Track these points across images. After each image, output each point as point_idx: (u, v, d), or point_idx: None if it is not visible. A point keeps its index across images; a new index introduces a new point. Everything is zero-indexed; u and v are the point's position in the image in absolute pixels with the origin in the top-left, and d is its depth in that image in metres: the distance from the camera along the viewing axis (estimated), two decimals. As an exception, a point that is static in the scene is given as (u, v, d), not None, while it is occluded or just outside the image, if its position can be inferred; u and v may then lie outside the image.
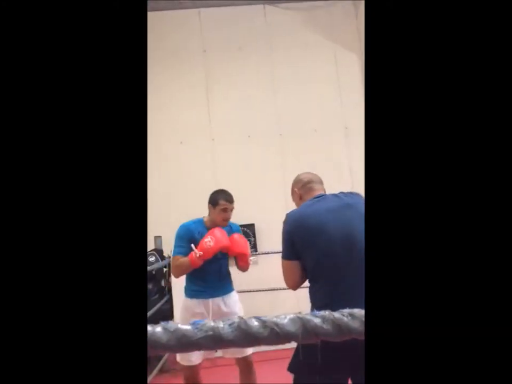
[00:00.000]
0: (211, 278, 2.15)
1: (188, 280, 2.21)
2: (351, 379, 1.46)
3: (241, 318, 0.41)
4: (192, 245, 2.05)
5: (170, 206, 4.03)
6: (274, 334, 0.40)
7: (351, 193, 1.62)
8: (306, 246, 1.47)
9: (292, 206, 1.71)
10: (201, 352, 2.11)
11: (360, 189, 3.83)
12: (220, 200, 2.14)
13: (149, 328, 0.40)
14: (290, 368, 1.51)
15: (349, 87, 4.47)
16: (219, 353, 2.47)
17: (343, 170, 4.34)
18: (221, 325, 0.40)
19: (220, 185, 4.24)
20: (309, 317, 0.41)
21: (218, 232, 2.06)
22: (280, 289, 3.47)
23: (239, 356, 2.16)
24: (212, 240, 2.02)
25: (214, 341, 0.39)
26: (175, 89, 4.41)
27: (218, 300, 2.13)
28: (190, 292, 2.19)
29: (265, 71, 4.47)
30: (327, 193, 1.63)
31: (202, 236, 2.09)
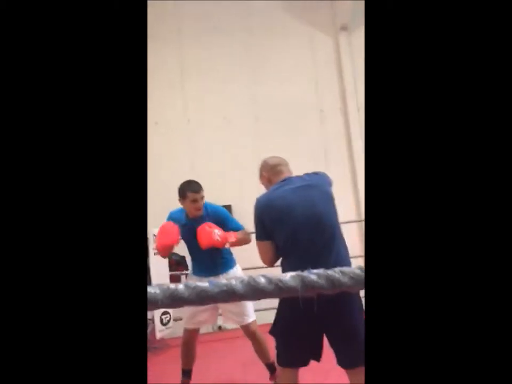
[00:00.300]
0: (204, 261, 2.25)
1: (191, 260, 2.35)
2: (327, 336, 1.60)
3: (250, 276, 0.49)
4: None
5: (147, 187, 4.02)
6: (279, 288, 0.48)
7: (314, 173, 1.74)
8: (277, 226, 1.60)
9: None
10: (205, 317, 2.26)
11: (334, 170, 3.97)
12: (188, 192, 2.14)
13: (172, 286, 0.47)
14: (272, 332, 1.66)
15: (324, 70, 4.55)
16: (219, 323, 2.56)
17: (319, 153, 4.45)
18: (233, 282, 0.48)
19: (195, 166, 4.27)
20: (306, 274, 0.50)
21: (162, 231, 2.09)
22: (257, 267, 3.58)
23: (241, 324, 2.28)
24: (155, 241, 2.11)
25: (228, 294, 0.47)
26: (149, 67, 4.34)
27: (217, 278, 2.21)
28: (193, 270, 2.33)
29: (241, 52, 4.46)
30: (293, 175, 1.74)
31: (183, 228, 2.16)
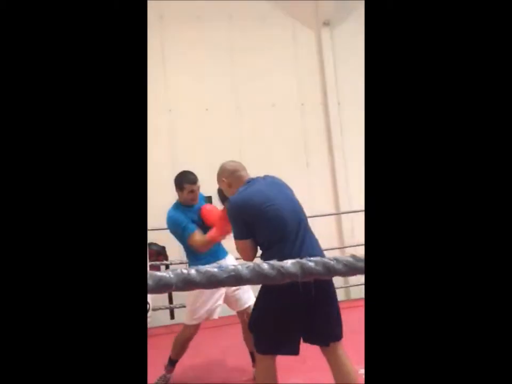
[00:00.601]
0: (196, 253, 2.29)
1: (188, 252, 2.39)
2: (303, 338, 1.68)
3: (254, 262, 0.53)
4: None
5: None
6: (281, 274, 0.53)
7: (267, 175, 1.84)
8: (257, 220, 1.66)
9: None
10: (206, 311, 2.31)
11: (313, 164, 4.05)
12: (184, 183, 2.23)
13: (185, 270, 0.51)
14: (250, 328, 1.74)
15: (306, 63, 4.60)
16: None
17: (299, 145, 4.53)
18: (240, 267, 0.52)
19: (176, 156, 4.26)
20: (305, 261, 0.55)
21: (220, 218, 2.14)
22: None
23: (242, 308, 2.35)
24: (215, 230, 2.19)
25: (235, 279, 0.52)
26: (131, 56, 4.27)
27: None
28: (191, 260, 2.38)
29: (223, 42, 4.45)
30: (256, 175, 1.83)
31: (192, 217, 2.24)
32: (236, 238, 1.73)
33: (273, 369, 1.70)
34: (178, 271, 0.50)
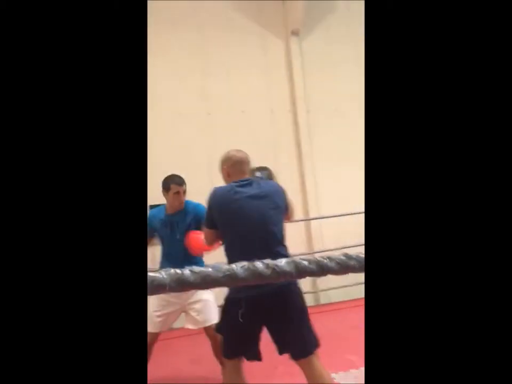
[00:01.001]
0: (178, 256, 2.24)
1: (162, 254, 2.37)
2: (271, 331, 1.68)
3: (249, 262, 0.53)
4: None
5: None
6: (276, 273, 0.52)
7: (268, 182, 1.87)
8: (226, 225, 1.69)
9: (218, 183, 1.85)
10: (161, 322, 2.26)
11: (282, 170, 4.10)
12: (171, 184, 2.23)
13: (178, 271, 0.50)
14: (217, 330, 1.78)
15: (275, 71, 4.66)
16: (180, 324, 2.53)
17: (268, 152, 4.56)
18: (235, 267, 0.51)
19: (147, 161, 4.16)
20: (298, 260, 0.55)
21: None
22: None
23: (205, 325, 2.29)
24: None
25: (231, 278, 0.51)
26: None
27: None
28: (163, 264, 2.33)
29: (194, 50, 4.43)
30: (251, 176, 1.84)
31: (162, 223, 2.23)
32: (204, 225, 1.79)
33: (240, 373, 1.70)
34: (172, 271, 0.49)
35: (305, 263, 0.55)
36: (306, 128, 4.58)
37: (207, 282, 0.50)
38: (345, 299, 4.23)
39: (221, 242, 1.80)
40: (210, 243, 1.82)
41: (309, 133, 4.58)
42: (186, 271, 0.50)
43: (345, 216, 4.13)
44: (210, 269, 0.51)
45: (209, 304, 2.30)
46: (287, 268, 0.54)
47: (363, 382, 2.39)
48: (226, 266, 0.52)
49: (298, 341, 1.63)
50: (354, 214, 4.28)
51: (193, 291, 2.24)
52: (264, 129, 4.57)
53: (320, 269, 0.55)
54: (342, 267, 0.56)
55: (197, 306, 2.29)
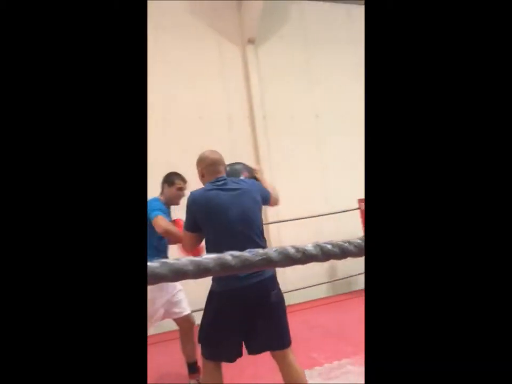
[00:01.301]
0: (161, 251, 2.26)
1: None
2: (245, 344, 1.73)
3: (280, 246, 0.56)
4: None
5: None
6: (305, 256, 0.56)
7: (242, 179, 1.91)
8: (208, 224, 1.71)
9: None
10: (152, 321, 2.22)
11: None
12: (176, 180, 2.35)
13: (220, 255, 0.52)
14: (198, 340, 1.77)
15: (232, 78, 4.72)
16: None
17: (226, 157, 4.58)
18: (269, 251, 0.55)
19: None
20: (323, 244, 0.60)
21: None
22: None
23: (181, 315, 2.29)
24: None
25: (266, 261, 0.54)
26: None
27: None
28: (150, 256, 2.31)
29: (151, 55, 4.37)
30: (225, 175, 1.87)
31: (166, 213, 2.26)
32: (184, 228, 1.77)
33: (218, 373, 1.73)
34: (217, 255, 0.51)
35: (329, 246, 0.60)
36: (263, 133, 4.68)
37: (246, 266, 0.53)
38: (302, 301, 4.35)
39: (200, 247, 1.81)
40: (191, 247, 1.80)
41: (267, 138, 4.68)
42: (228, 256, 0.52)
43: (304, 219, 4.26)
44: (248, 254, 0.54)
45: (183, 294, 2.32)
46: (314, 251, 0.58)
47: (327, 377, 2.48)
48: (261, 250, 0.55)
49: (278, 333, 1.69)
50: (313, 217, 4.43)
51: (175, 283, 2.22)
52: (222, 135, 4.60)
53: (342, 252, 0.60)
54: (359, 250, 0.61)
55: (176, 298, 2.28)
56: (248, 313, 1.67)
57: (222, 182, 1.78)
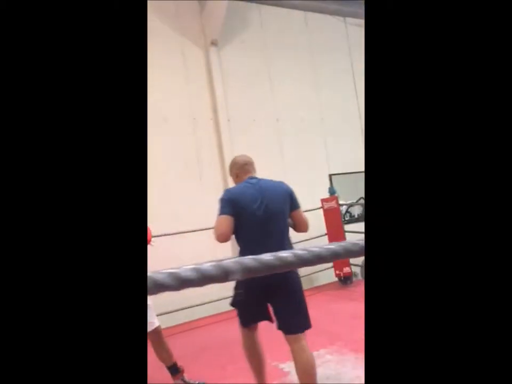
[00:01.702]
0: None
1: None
2: (273, 307, 1.94)
3: (295, 248, 0.63)
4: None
5: None
6: (316, 258, 0.64)
7: (272, 180, 2.10)
8: (241, 213, 1.89)
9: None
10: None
11: (206, 175, 4.20)
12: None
13: (245, 259, 0.58)
14: (232, 304, 2.02)
15: (196, 80, 4.72)
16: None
17: (192, 159, 4.59)
18: (299, 252, 0.61)
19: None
20: (333, 245, 0.67)
21: None
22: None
23: (149, 330, 2.27)
24: None
25: (302, 261, 0.61)
26: None
27: None
28: None
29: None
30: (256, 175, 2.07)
31: None
32: (219, 214, 1.91)
33: (254, 338, 2.02)
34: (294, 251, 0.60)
35: (337, 248, 0.68)
36: (227, 135, 4.73)
37: (320, 259, 0.62)
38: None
39: (231, 235, 1.93)
40: (225, 230, 1.88)
41: (231, 140, 4.73)
42: (302, 251, 0.59)
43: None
44: (270, 257, 0.60)
45: (151, 308, 2.31)
46: (324, 253, 0.66)
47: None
48: (296, 252, 0.61)
49: (295, 316, 1.87)
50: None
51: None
52: (187, 137, 4.59)
53: (346, 252, 0.68)
54: (361, 248, 0.70)
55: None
56: (270, 298, 1.89)
57: (254, 180, 1.99)
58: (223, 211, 1.92)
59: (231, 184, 4.58)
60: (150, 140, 4.24)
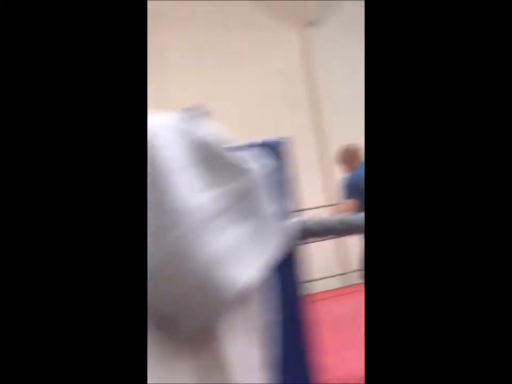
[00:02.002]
0: None
1: None
2: None
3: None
4: None
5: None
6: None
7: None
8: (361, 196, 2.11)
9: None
10: None
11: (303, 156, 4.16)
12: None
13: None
14: None
15: (291, 62, 4.72)
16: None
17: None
18: (349, 217, 0.77)
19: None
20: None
21: None
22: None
23: None
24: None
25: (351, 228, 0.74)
26: None
27: None
28: None
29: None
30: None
31: None
32: (350, 198, 2.25)
33: None
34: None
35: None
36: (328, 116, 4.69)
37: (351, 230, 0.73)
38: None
39: None
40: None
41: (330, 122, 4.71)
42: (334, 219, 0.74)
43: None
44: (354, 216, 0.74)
45: None
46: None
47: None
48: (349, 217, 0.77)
49: None
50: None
51: None
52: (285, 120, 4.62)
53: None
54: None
55: None
56: None
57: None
58: (352, 195, 2.23)
59: (328, 165, 4.59)
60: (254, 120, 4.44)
